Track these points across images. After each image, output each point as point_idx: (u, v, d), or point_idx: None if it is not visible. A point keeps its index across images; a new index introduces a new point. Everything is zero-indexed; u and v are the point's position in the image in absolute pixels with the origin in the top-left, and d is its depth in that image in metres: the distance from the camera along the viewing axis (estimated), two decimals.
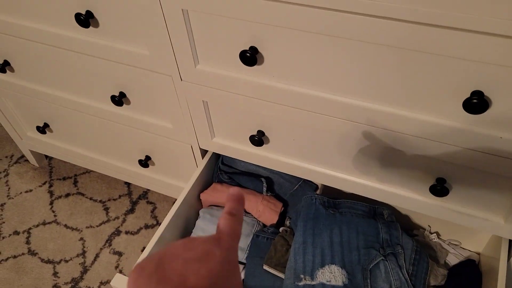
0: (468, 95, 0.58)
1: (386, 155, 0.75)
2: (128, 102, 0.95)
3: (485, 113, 0.59)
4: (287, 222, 0.98)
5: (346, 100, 0.68)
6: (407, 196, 0.79)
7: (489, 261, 0.85)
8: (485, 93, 0.57)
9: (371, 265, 0.81)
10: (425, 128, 0.65)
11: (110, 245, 1.25)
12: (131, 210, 1.34)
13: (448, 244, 0.94)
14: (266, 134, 0.84)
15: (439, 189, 0.72)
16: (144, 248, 1.23)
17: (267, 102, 0.75)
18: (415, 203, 0.80)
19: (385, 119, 0.67)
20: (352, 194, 0.98)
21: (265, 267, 0.86)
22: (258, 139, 0.83)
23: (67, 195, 1.38)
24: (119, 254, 1.23)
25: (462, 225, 0.90)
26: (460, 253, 0.93)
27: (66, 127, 1.18)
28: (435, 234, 0.94)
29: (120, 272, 1.19)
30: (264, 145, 0.86)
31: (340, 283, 0.78)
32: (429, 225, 0.95)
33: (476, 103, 0.56)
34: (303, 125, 0.77)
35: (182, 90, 0.83)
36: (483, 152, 0.64)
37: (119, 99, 0.92)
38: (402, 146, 0.70)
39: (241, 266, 0.89)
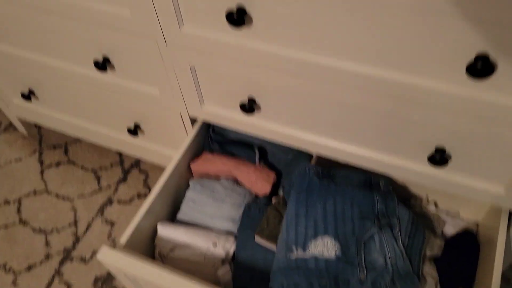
0: (473, 59, 0.53)
1: (385, 123, 0.70)
2: (113, 68, 0.90)
3: (489, 77, 0.54)
4: (281, 193, 0.95)
5: (343, 64, 0.63)
6: (405, 166, 0.76)
7: (488, 232, 0.83)
8: (491, 57, 0.52)
9: (366, 237, 0.79)
10: (427, 93, 0.61)
11: (102, 215, 1.23)
12: (123, 179, 1.31)
13: (445, 214, 0.91)
14: (257, 101, 0.80)
15: (438, 158, 0.68)
16: None
17: (258, 67, 0.71)
18: (413, 173, 0.76)
19: (385, 84, 0.62)
20: (348, 165, 0.94)
21: (257, 239, 0.84)
22: (249, 107, 0.79)
23: (58, 164, 1.35)
24: (112, 223, 1.22)
25: (461, 195, 0.88)
26: (458, 223, 0.90)
27: (51, 94, 1.13)
28: (432, 204, 0.91)
29: (113, 241, 1.18)
30: (255, 112, 0.82)
31: (333, 255, 0.76)
32: (426, 195, 0.93)
33: (480, 68, 0.51)
34: (296, 91, 0.73)
35: (168, 55, 0.78)
36: (488, 119, 0.60)
37: (102, 64, 0.87)
38: (402, 113, 0.66)
39: (232, 238, 0.86)
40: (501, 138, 0.62)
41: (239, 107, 0.81)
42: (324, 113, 0.75)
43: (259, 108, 0.81)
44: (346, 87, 0.66)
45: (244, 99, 0.80)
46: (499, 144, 0.64)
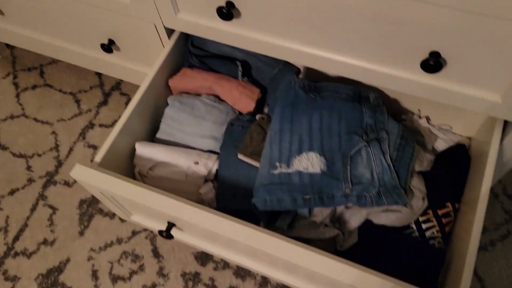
0: None
1: (376, 27, 0.64)
2: None
3: None
4: (265, 110, 0.90)
5: None
6: (397, 75, 0.70)
7: (480, 146, 0.80)
8: None
9: (353, 151, 0.75)
10: None
11: (84, 138, 1.19)
12: (104, 102, 1.25)
13: (438, 129, 0.87)
14: (236, 5, 0.72)
15: (432, 64, 0.63)
16: None
17: None
18: (405, 83, 0.71)
19: None
20: (335, 78, 0.88)
21: (240, 156, 0.80)
22: (227, 11, 0.71)
23: (34, 87, 1.28)
24: (94, 147, 1.18)
25: (454, 109, 0.83)
26: (450, 138, 0.87)
27: (19, 9, 1.03)
28: (424, 119, 0.87)
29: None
30: (234, 19, 0.74)
31: (317, 170, 0.73)
32: (418, 109, 0.88)
33: None
34: None
35: None
36: (483, 14, 0.54)
37: None
38: (395, 14, 0.59)
39: (214, 156, 0.83)
40: (498, 38, 0.56)
41: (216, 13, 0.73)
42: (308, 18, 0.68)
43: (239, 14, 0.73)
44: None
45: (222, 3, 0.72)
46: (496, 46, 0.58)
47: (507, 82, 0.63)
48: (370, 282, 0.61)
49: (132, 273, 1.00)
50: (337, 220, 0.77)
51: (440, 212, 0.77)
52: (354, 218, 0.75)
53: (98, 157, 0.75)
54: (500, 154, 0.77)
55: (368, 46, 0.68)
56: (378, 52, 0.68)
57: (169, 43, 0.87)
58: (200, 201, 0.82)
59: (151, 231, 1.05)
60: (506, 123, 0.75)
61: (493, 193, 1.04)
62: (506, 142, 0.74)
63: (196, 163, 0.81)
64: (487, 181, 0.69)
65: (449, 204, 0.77)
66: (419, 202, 0.76)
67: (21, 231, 1.07)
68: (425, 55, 0.64)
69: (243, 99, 0.86)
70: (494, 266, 0.96)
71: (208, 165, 0.81)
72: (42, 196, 1.11)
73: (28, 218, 1.09)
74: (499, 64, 0.61)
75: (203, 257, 1.01)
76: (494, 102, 0.67)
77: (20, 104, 1.25)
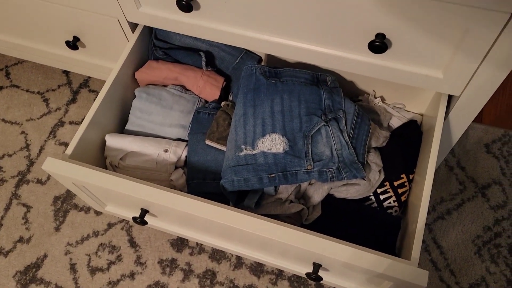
0: None
1: (324, 11, 0.68)
2: None
3: None
4: (230, 97, 0.94)
5: None
6: (348, 57, 0.75)
7: (430, 121, 0.86)
8: None
9: (313, 131, 0.80)
10: None
11: (54, 137, 1.20)
12: (73, 100, 1.26)
13: (392, 108, 0.94)
14: None
15: (378, 44, 0.68)
16: None
17: None
18: (357, 65, 0.76)
19: None
20: (296, 65, 0.93)
21: (207, 142, 0.84)
22: (186, 3, 0.75)
23: (0, 88, 1.28)
24: (65, 144, 1.19)
25: (406, 88, 0.89)
26: (404, 115, 0.93)
27: None
28: (379, 99, 0.93)
29: None
30: (194, 10, 0.78)
31: (281, 150, 0.78)
32: (373, 90, 0.94)
33: None
34: None
35: None
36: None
37: None
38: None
39: (183, 144, 0.86)
40: (432, 19, 0.62)
41: (176, 5, 0.77)
42: (264, 7, 0.72)
43: (198, 6, 0.77)
44: None
45: None
46: (432, 26, 0.64)
47: (446, 59, 0.70)
48: (335, 250, 0.65)
49: (110, 263, 1.03)
50: (302, 197, 0.82)
51: (396, 183, 0.83)
52: (317, 193, 0.80)
53: (69, 150, 0.77)
54: (447, 127, 0.84)
55: (321, 31, 0.73)
56: (330, 37, 0.73)
57: (133, 37, 0.90)
58: (171, 187, 0.85)
59: (127, 222, 1.07)
60: (450, 98, 0.81)
61: (448, 166, 1.11)
62: (451, 114, 0.81)
63: (166, 151, 0.84)
64: (434, 152, 0.75)
65: (403, 176, 0.83)
66: (376, 175, 0.82)
67: None
68: (372, 36, 0.70)
69: (208, 88, 0.90)
70: (451, 232, 1.03)
71: (177, 152, 0.85)
72: (15, 195, 1.12)
73: (2, 217, 1.09)
74: (437, 42, 0.67)
75: (179, 244, 1.05)
76: (437, 78, 0.73)
77: None
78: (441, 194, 1.08)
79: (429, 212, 1.05)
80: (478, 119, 1.18)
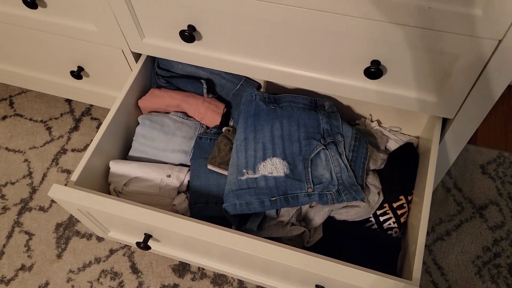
0: None
1: (321, 41, 0.72)
2: (44, 5, 0.85)
3: None
4: (231, 123, 0.96)
5: None
6: (345, 83, 0.78)
7: (426, 143, 0.88)
8: None
9: (312, 154, 0.82)
10: (355, 4, 0.62)
11: (57, 164, 1.22)
12: (75, 128, 1.29)
13: (389, 131, 0.96)
14: (197, 28, 0.79)
15: (374, 71, 0.71)
16: None
17: None
18: (353, 90, 0.79)
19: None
20: (295, 90, 0.96)
21: (209, 167, 0.86)
22: (189, 34, 0.78)
23: (4, 117, 1.31)
24: (68, 171, 1.21)
25: (402, 112, 0.92)
26: (400, 138, 0.95)
27: None
28: (376, 122, 0.96)
29: None
30: (196, 41, 0.81)
31: (281, 174, 0.80)
32: (370, 114, 0.97)
33: None
34: (233, 14, 0.72)
35: None
36: (414, 26, 0.63)
37: (31, 0, 0.83)
38: (338, 28, 0.67)
39: (185, 169, 0.88)
40: (424, 46, 0.65)
41: (179, 37, 0.80)
42: (262, 37, 0.75)
43: (200, 36, 0.80)
44: (280, 3, 0.66)
45: (184, 27, 0.79)
46: (424, 53, 0.67)
47: (440, 83, 0.73)
48: (337, 271, 0.66)
49: None
50: (303, 219, 0.84)
51: (394, 204, 0.84)
52: (318, 215, 0.82)
53: (74, 177, 0.79)
54: (443, 149, 0.86)
55: (317, 58, 0.76)
56: (326, 64, 0.76)
57: (136, 66, 0.93)
58: (174, 212, 0.86)
59: (129, 248, 1.08)
60: (445, 120, 0.84)
61: (445, 187, 1.13)
62: (447, 137, 0.83)
63: (169, 176, 0.86)
64: (431, 173, 0.77)
65: (402, 197, 0.85)
66: (375, 196, 0.83)
67: None
68: (367, 63, 0.73)
69: (209, 114, 0.93)
70: (450, 253, 1.04)
71: (180, 177, 0.86)
72: (17, 223, 1.13)
73: (4, 245, 1.10)
74: (430, 67, 0.70)
75: (181, 269, 1.05)
76: (431, 102, 0.76)
77: None
78: (439, 215, 1.09)
79: (428, 233, 1.06)
80: (473, 140, 1.20)
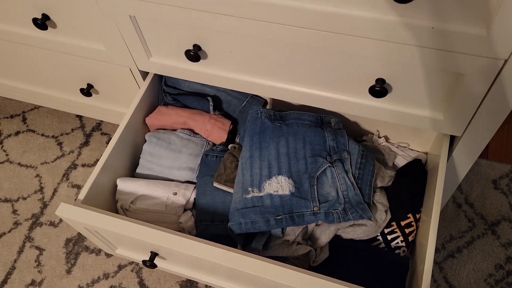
0: None
1: (326, 60, 0.72)
2: (54, 26, 0.87)
3: (414, 0, 0.56)
4: (237, 139, 0.97)
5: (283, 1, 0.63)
6: (350, 101, 0.78)
7: (434, 159, 0.87)
8: None
9: (318, 172, 0.82)
10: (361, 25, 0.62)
11: (68, 179, 1.24)
12: (86, 143, 1.30)
13: (396, 147, 0.95)
14: (202, 48, 0.80)
15: (378, 89, 0.70)
16: None
17: (199, 11, 0.70)
18: (358, 107, 0.79)
19: (324, 20, 0.63)
20: (301, 107, 0.96)
21: (215, 184, 0.86)
22: (194, 54, 0.79)
23: (17, 133, 1.33)
24: (78, 186, 1.22)
25: (410, 128, 0.91)
26: (408, 154, 0.94)
27: (0, 61, 1.10)
28: (383, 138, 0.95)
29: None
30: (202, 60, 0.82)
31: (287, 192, 0.79)
32: (377, 130, 0.96)
33: None
34: (238, 34, 0.73)
35: (105, 5, 0.76)
36: (418, 46, 0.62)
37: (42, 22, 0.85)
38: (343, 48, 0.67)
39: (191, 186, 0.89)
40: (428, 65, 0.65)
41: (185, 56, 0.81)
42: (268, 56, 0.76)
43: (205, 55, 0.81)
44: (287, 25, 0.67)
45: (189, 47, 0.80)
46: (428, 72, 0.66)
47: (446, 101, 0.72)
48: None
49: None
50: (309, 238, 0.83)
51: (402, 223, 0.83)
52: (324, 234, 0.81)
53: (82, 195, 0.80)
54: (452, 165, 0.85)
55: (322, 77, 0.76)
56: (331, 82, 0.76)
57: (144, 84, 0.94)
58: (180, 229, 0.87)
59: (137, 264, 1.08)
60: (454, 136, 0.83)
61: (456, 203, 1.11)
62: (455, 153, 0.82)
63: (175, 193, 0.86)
64: (439, 191, 0.76)
65: (410, 215, 0.84)
66: (382, 215, 0.82)
67: (9, 274, 1.09)
68: (372, 82, 0.73)
69: (215, 131, 0.93)
70: (462, 271, 1.02)
71: (186, 194, 0.87)
72: (28, 238, 1.14)
73: (15, 260, 1.11)
74: (436, 86, 0.69)
75: (188, 286, 1.05)
76: (437, 119, 0.75)
77: (4, 151, 1.29)
78: (450, 231, 1.07)
79: (438, 251, 1.04)
80: (484, 155, 1.18)
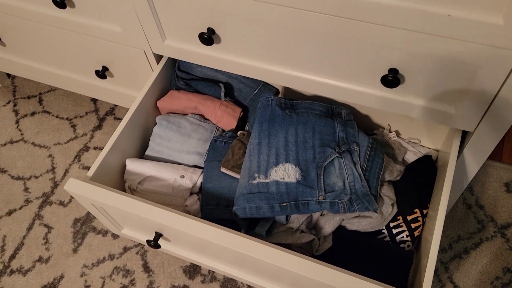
0: None
1: (340, 47, 0.71)
2: (72, 5, 0.89)
3: None
4: (246, 127, 0.97)
5: None
6: (361, 91, 0.78)
7: (444, 156, 0.86)
8: None
9: (326, 162, 0.81)
10: (378, 12, 0.61)
11: (79, 161, 1.26)
12: (99, 127, 1.32)
13: (407, 143, 0.94)
14: (216, 32, 0.80)
15: (391, 79, 0.70)
16: None
17: None
18: (369, 98, 0.78)
19: (342, 6, 0.63)
20: (312, 98, 0.96)
21: (223, 169, 0.86)
22: (208, 37, 0.79)
23: (33, 113, 1.36)
24: (89, 168, 1.23)
25: (421, 123, 0.90)
26: (419, 150, 0.93)
27: (18, 40, 1.12)
28: (394, 133, 0.94)
29: None
30: (215, 44, 0.82)
31: (293, 180, 0.79)
32: (388, 124, 0.95)
33: None
34: (252, 18, 0.73)
35: None
36: (433, 34, 0.61)
37: (61, 0, 0.86)
38: (357, 35, 0.67)
39: (199, 170, 0.89)
40: (444, 56, 0.64)
41: (198, 39, 0.81)
42: (282, 43, 0.75)
43: (219, 39, 0.81)
44: (304, 9, 0.67)
45: (204, 30, 0.80)
46: (443, 64, 0.66)
47: (459, 95, 0.71)
48: (345, 282, 0.65)
49: (123, 287, 1.04)
50: (313, 227, 0.83)
51: (409, 217, 0.82)
52: (328, 224, 0.81)
53: (90, 172, 0.81)
54: (462, 163, 0.84)
55: (335, 65, 0.75)
56: (344, 71, 0.76)
57: (157, 68, 0.95)
58: (186, 212, 0.87)
59: (142, 247, 1.09)
60: (466, 134, 0.81)
61: (466, 204, 1.09)
62: (466, 150, 0.81)
63: (182, 176, 0.87)
64: (447, 186, 0.75)
65: (417, 210, 0.83)
66: (388, 208, 0.81)
67: (17, 249, 1.11)
68: (384, 71, 0.72)
69: (225, 118, 0.93)
70: (468, 272, 1.00)
71: (193, 178, 0.87)
72: (38, 216, 1.16)
73: (24, 237, 1.13)
74: (450, 78, 0.68)
75: (192, 271, 1.05)
76: (449, 113, 0.74)
77: (20, 130, 1.32)
78: (458, 232, 1.06)
79: (445, 250, 1.03)
80: (498, 157, 1.16)
